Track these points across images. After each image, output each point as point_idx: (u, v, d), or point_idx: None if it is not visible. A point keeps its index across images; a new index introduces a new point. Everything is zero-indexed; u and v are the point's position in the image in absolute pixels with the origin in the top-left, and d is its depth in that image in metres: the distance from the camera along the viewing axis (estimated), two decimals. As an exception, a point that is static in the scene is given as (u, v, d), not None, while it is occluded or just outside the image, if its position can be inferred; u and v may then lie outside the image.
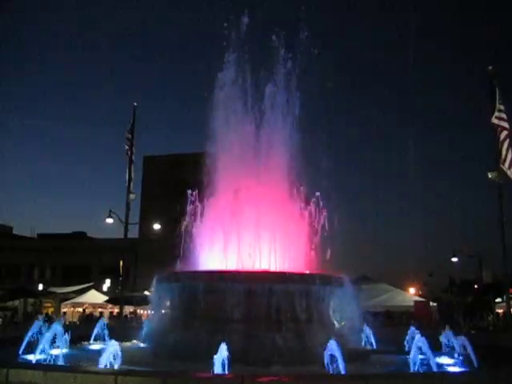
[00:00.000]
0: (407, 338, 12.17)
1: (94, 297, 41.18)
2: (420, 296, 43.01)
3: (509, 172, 21.16)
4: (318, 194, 14.86)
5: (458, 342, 11.54)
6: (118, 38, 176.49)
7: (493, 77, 22.16)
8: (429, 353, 9.57)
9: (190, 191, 15.26)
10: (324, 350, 9.07)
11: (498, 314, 36.73)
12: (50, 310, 44.68)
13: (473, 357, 10.47)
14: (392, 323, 28.24)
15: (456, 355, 11.62)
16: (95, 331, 14.08)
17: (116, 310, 35.14)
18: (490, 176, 21.68)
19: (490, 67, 22.36)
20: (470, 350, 10.82)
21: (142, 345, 13.60)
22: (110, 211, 31.36)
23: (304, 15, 16.63)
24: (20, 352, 10.91)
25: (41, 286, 48.09)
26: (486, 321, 36.21)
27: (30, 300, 42.13)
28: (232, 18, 16.13)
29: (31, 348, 10.66)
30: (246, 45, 16.05)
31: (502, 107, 21.74)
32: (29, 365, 9.17)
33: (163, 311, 14.59)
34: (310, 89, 15.60)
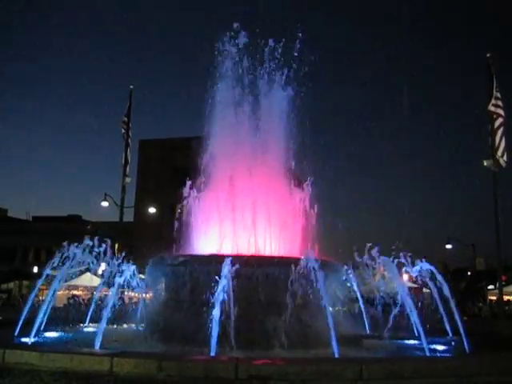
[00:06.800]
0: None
1: (89, 280, 41.09)
2: (413, 282, 43.11)
3: (501, 160, 21.25)
4: (313, 179, 14.85)
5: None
6: (116, 23, 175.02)
7: (491, 64, 22.10)
8: (423, 337, 9.67)
9: (185, 176, 15.19)
10: (318, 334, 9.09)
11: (490, 301, 37.05)
12: (46, 293, 44.63)
13: (465, 342, 10.57)
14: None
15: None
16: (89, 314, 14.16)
17: (110, 294, 35.12)
18: (485, 164, 21.73)
19: (489, 54, 22.29)
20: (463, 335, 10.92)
21: (137, 328, 13.66)
22: (106, 194, 31.42)
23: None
24: (15, 334, 10.93)
25: (36, 269, 48.11)
26: (477, 307, 36.54)
27: (26, 282, 42.09)
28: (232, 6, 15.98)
29: (27, 330, 10.68)
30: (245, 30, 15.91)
31: (498, 95, 21.73)
32: (25, 346, 9.19)
33: (157, 294, 14.63)
34: (309, 76, 15.57)
